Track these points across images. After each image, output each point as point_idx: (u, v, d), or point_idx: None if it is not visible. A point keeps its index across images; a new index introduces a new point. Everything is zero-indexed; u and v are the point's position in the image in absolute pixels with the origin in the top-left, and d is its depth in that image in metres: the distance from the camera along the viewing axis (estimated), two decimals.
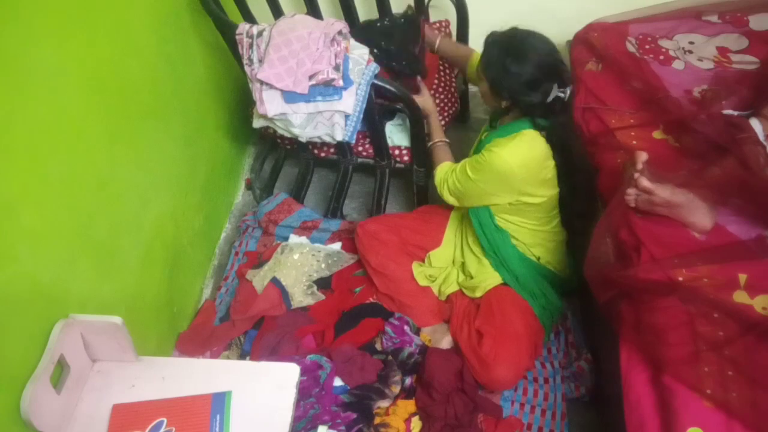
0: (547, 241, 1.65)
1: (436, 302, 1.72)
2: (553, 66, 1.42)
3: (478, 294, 1.66)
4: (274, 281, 1.77)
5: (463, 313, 1.66)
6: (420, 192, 2.01)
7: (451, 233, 1.78)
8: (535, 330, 1.59)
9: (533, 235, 1.62)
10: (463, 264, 1.73)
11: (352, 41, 1.70)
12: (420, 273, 1.73)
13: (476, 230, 1.63)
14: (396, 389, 1.55)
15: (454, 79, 2.07)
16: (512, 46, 1.43)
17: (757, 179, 1.24)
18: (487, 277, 1.65)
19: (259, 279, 1.81)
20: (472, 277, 1.69)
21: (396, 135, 1.94)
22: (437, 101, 1.99)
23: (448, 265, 1.76)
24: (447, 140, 1.76)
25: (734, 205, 1.30)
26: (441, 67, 2.04)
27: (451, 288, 1.73)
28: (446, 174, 1.64)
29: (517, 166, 1.45)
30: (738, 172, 1.28)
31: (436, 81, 2.01)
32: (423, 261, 1.77)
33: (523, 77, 1.41)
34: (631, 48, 1.81)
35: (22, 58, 1.03)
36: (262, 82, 1.63)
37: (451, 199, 1.65)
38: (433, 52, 1.89)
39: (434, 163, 1.72)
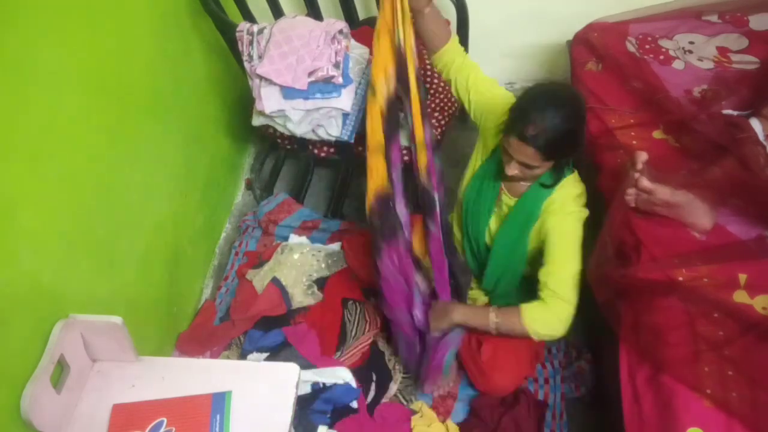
0: None
1: None
2: (579, 95, 1.33)
3: (479, 304, 1.65)
4: (275, 281, 1.77)
5: None
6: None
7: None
8: None
9: None
10: None
11: (353, 41, 1.70)
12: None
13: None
14: None
15: None
16: (573, 110, 1.24)
17: (757, 179, 1.24)
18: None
19: (259, 279, 1.81)
20: (472, 288, 1.68)
21: None
22: (437, 101, 1.99)
23: None
24: (494, 317, 1.40)
25: (734, 205, 1.30)
26: None
27: None
28: (551, 311, 1.34)
29: (586, 213, 1.37)
30: (738, 172, 1.28)
31: (436, 81, 2.01)
32: None
33: (585, 122, 1.29)
34: (631, 48, 1.81)
35: (22, 58, 1.03)
36: (261, 79, 1.63)
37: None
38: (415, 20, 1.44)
39: (515, 327, 1.37)
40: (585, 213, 1.37)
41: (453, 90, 1.51)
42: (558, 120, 1.21)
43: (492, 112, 1.43)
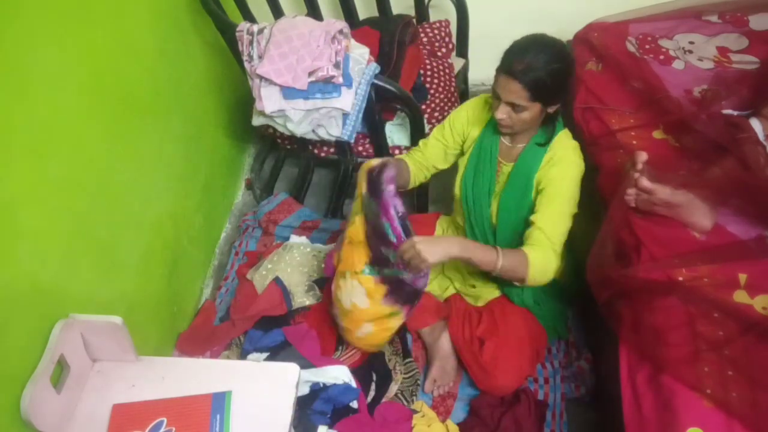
0: None
1: (434, 301, 1.71)
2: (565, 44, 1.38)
3: (481, 303, 1.65)
4: (277, 281, 1.77)
5: (463, 315, 1.66)
6: (420, 192, 2.01)
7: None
8: (537, 336, 1.59)
9: None
10: (456, 274, 1.72)
11: (353, 41, 1.70)
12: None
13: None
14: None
15: (453, 79, 2.07)
16: (561, 52, 1.30)
17: (757, 179, 1.24)
18: (491, 289, 1.63)
19: (259, 278, 1.81)
20: (473, 287, 1.68)
21: (396, 135, 1.94)
22: (437, 101, 1.99)
23: (438, 274, 1.75)
24: (501, 256, 1.35)
25: (734, 205, 1.30)
26: (441, 67, 2.04)
27: (449, 292, 1.73)
28: (547, 252, 1.36)
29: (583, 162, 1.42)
30: (738, 172, 1.28)
31: (436, 81, 2.01)
32: None
33: (573, 70, 1.34)
34: (631, 48, 1.81)
35: (22, 58, 1.03)
36: (261, 79, 1.63)
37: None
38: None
39: (517, 269, 1.35)
40: (583, 166, 1.41)
41: (431, 172, 1.63)
42: (544, 57, 1.26)
43: (450, 135, 1.55)
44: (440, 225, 1.77)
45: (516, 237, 1.48)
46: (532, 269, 1.34)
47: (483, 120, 1.50)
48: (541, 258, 1.35)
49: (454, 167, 1.61)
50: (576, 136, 1.65)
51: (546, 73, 1.26)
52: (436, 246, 1.30)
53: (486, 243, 1.54)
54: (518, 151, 1.46)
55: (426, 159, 1.59)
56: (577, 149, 1.42)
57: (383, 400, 1.58)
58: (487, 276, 1.58)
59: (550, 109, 1.34)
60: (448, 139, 1.56)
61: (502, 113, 1.33)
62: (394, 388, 1.61)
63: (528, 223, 1.41)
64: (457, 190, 1.57)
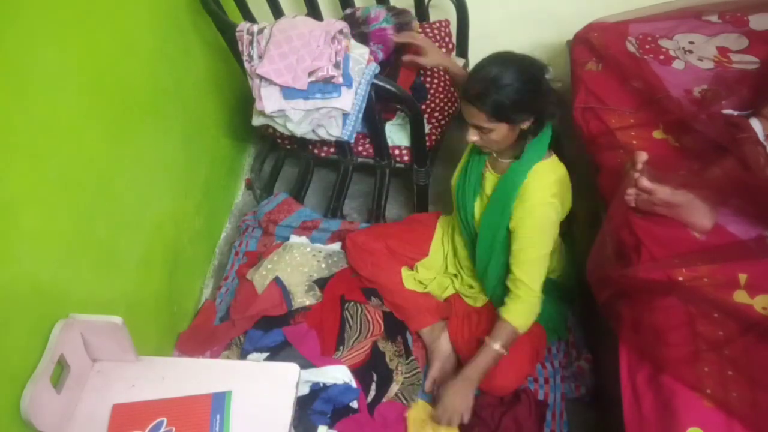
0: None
1: (434, 302, 1.71)
2: (536, 59, 1.35)
3: (480, 304, 1.66)
4: (277, 281, 1.77)
5: (463, 315, 1.66)
6: (420, 192, 2.00)
7: (438, 243, 1.75)
8: (537, 336, 1.59)
9: None
10: (456, 275, 1.73)
11: (353, 41, 1.70)
12: (409, 277, 1.71)
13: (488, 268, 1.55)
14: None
15: None
16: (518, 67, 1.27)
17: (757, 179, 1.24)
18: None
19: (259, 278, 1.81)
20: (471, 287, 1.68)
21: (396, 135, 1.94)
22: (437, 101, 1.99)
23: (438, 274, 1.75)
24: (498, 347, 1.44)
25: (734, 205, 1.30)
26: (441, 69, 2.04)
27: (448, 292, 1.73)
28: (528, 298, 1.43)
29: (559, 202, 1.39)
30: (738, 172, 1.28)
31: (436, 81, 2.01)
32: (413, 269, 1.76)
33: (543, 85, 1.30)
34: (631, 48, 1.81)
35: (22, 58, 1.03)
36: (261, 78, 1.63)
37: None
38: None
39: (514, 337, 1.45)
40: (553, 205, 1.38)
41: None
42: (500, 78, 1.25)
43: None
44: (441, 225, 1.78)
45: (492, 249, 1.50)
46: (522, 329, 1.45)
47: None
48: (526, 313, 1.45)
49: (454, 163, 1.62)
50: (576, 135, 1.66)
51: (502, 94, 1.25)
52: (464, 400, 1.42)
53: (471, 239, 1.58)
54: (503, 165, 1.44)
55: None
56: (552, 186, 1.37)
57: (384, 400, 1.58)
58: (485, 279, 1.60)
59: (523, 126, 1.32)
60: None
61: (473, 136, 1.35)
62: (395, 388, 1.61)
63: (506, 258, 1.47)
64: (452, 182, 1.60)
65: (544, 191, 1.37)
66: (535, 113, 1.31)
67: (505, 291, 1.48)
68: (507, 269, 1.50)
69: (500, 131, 1.31)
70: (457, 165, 1.61)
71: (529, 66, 1.29)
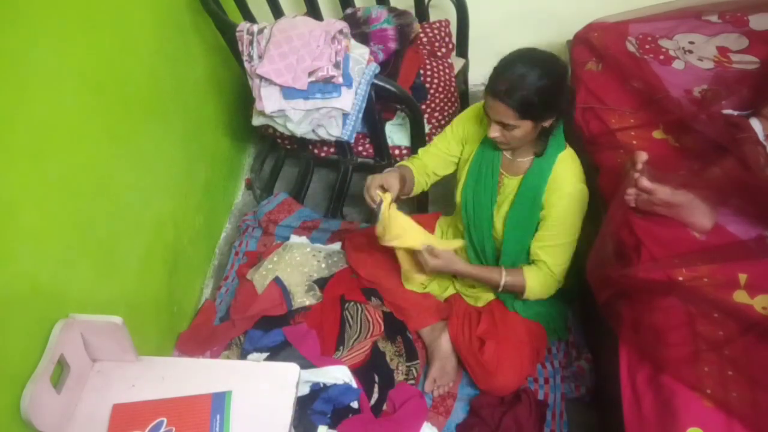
0: None
1: (434, 301, 1.71)
2: (560, 58, 1.35)
3: (481, 304, 1.66)
4: (277, 281, 1.77)
5: (463, 315, 1.66)
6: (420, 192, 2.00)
7: (437, 244, 1.75)
8: (537, 335, 1.59)
9: None
10: (456, 276, 1.72)
11: (353, 41, 1.70)
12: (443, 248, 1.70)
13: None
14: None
15: (453, 79, 2.07)
16: (546, 66, 1.27)
17: (757, 179, 1.24)
18: (489, 290, 1.64)
19: (259, 278, 1.81)
20: (473, 287, 1.68)
21: (396, 135, 1.94)
22: (437, 101, 1.99)
23: (438, 275, 1.74)
24: (505, 275, 1.49)
25: (734, 205, 1.30)
26: (441, 67, 2.04)
27: (449, 292, 1.73)
28: (547, 278, 1.46)
29: (587, 189, 1.42)
30: (738, 172, 1.28)
31: (436, 81, 2.01)
32: None
33: (565, 83, 1.31)
34: (631, 48, 1.81)
35: (22, 58, 1.03)
36: (261, 79, 1.63)
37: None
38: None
39: (516, 287, 1.50)
40: (584, 191, 1.41)
41: (432, 179, 1.62)
42: (529, 76, 1.25)
43: (451, 143, 1.55)
44: (440, 226, 1.78)
45: (522, 252, 1.50)
46: (529, 291, 1.48)
47: (483, 130, 1.47)
48: (540, 281, 1.47)
49: (454, 173, 1.61)
50: (576, 135, 1.66)
51: (531, 92, 1.25)
52: (440, 264, 1.47)
53: (484, 252, 1.57)
54: (520, 165, 1.44)
55: (426, 166, 1.58)
56: (579, 173, 1.41)
57: (372, 401, 1.57)
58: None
59: (545, 124, 1.32)
60: (450, 147, 1.55)
61: (495, 132, 1.33)
62: None
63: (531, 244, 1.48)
64: (458, 199, 1.57)
65: (574, 177, 1.40)
66: (559, 111, 1.33)
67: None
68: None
69: (524, 128, 1.31)
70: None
71: (555, 65, 1.30)
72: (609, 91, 1.69)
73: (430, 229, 1.77)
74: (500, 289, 1.50)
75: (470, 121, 1.52)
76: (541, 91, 1.25)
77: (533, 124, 1.31)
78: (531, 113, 1.28)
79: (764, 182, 1.24)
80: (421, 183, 1.60)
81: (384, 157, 1.94)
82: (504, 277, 1.48)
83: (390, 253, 1.69)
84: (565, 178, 1.39)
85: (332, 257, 1.88)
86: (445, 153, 1.56)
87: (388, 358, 1.65)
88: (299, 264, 1.84)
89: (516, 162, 1.45)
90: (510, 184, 1.47)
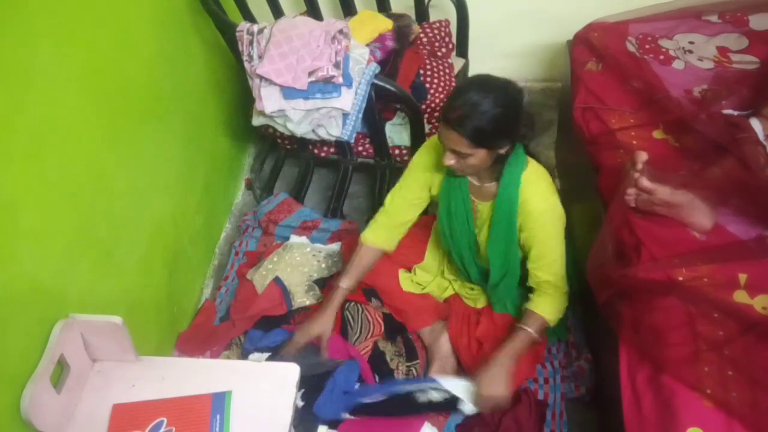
0: None
1: (432, 302, 1.71)
2: (515, 83, 1.32)
3: (480, 305, 1.65)
4: (277, 281, 1.77)
5: (462, 316, 1.66)
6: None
7: (433, 245, 1.74)
8: None
9: None
10: (455, 279, 1.72)
11: (353, 41, 1.70)
12: (406, 279, 1.70)
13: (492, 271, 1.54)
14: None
15: (453, 79, 2.07)
16: (499, 93, 1.25)
17: (757, 179, 1.24)
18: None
19: (259, 278, 1.81)
20: (472, 289, 1.68)
21: (396, 135, 1.94)
22: (437, 101, 1.99)
23: (436, 276, 1.75)
24: (533, 332, 1.46)
25: (734, 205, 1.30)
26: (441, 67, 2.04)
27: (448, 292, 1.73)
28: (556, 295, 1.47)
29: (558, 198, 1.40)
30: (738, 173, 1.28)
31: (436, 81, 2.01)
32: (410, 271, 1.75)
33: (522, 110, 1.29)
34: (631, 48, 1.81)
35: (22, 58, 1.03)
36: (261, 79, 1.63)
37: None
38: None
39: (543, 324, 1.48)
40: (555, 204, 1.39)
41: (406, 228, 1.59)
42: (482, 104, 1.22)
43: (413, 189, 1.52)
44: (435, 229, 1.77)
45: (511, 268, 1.51)
46: (552, 322, 1.48)
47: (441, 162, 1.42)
48: (552, 305, 1.47)
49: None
50: (576, 135, 1.66)
51: (484, 120, 1.22)
52: (500, 388, 1.41)
53: (469, 274, 1.59)
54: (488, 190, 1.43)
55: (392, 220, 1.55)
56: (547, 188, 1.38)
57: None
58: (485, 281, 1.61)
59: (501, 150, 1.30)
60: (416, 194, 1.52)
61: (449, 160, 1.31)
62: None
63: (525, 263, 1.48)
64: (437, 227, 1.58)
65: (543, 194, 1.37)
66: (514, 138, 1.30)
67: (524, 294, 1.51)
68: (519, 282, 1.51)
69: (479, 156, 1.28)
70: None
71: (509, 91, 1.26)
72: (609, 91, 1.69)
73: (427, 230, 1.76)
74: (540, 340, 1.50)
75: (429, 155, 1.48)
76: (495, 119, 1.23)
77: (487, 152, 1.28)
78: (484, 141, 1.26)
79: (764, 182, 1.24)
80: (394, 239, 1.58)
81: (384, 156, 1.94)
82: (531, 330, 1.45)
83: (387, 256, 1.69)
84: (534, 200, 1.36)
85: (332, 257, 1.88)
86: (411, 200, 1.53)
87: (388, 358, 1.65)
88: (299, 264, 1.84)
89: (483, 187, 1.44)
90: (483, 210, 1.46)
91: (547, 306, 1.47)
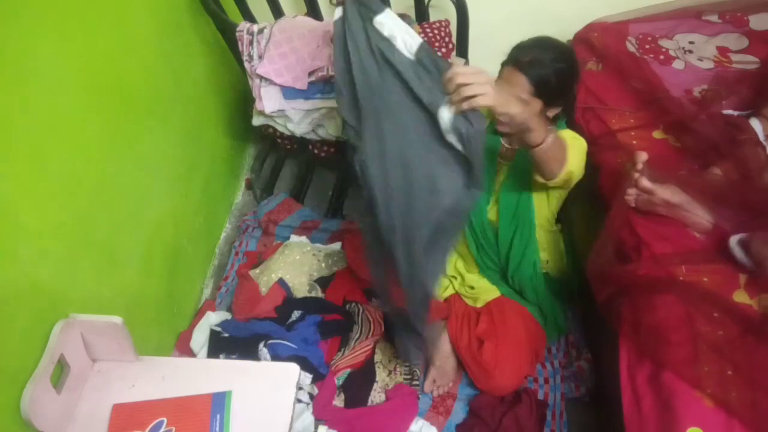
0: (553, 243, 1.64)
1: (433, 302, 1.71)
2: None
3: (479, 305, 1.66)
4: (281, 282, 1.77)
5: (462, 315, 1.66)
6: None
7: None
8: (536, 336, 1.59)
9: (546, 236, 1.61)
10: (455, 277, 1.72)
11: None
12: None
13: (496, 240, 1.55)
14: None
15: None
16: (569, 55, 1.33)
17: (755, 181, 1.25)
18: (488, 290, 1.64)
19: (262, 279, 1.81)
20: (472, 288, 1.68)
21: None
22: None
23: None
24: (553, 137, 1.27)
25: (734, 205, 1.30)
26: None
27: (448, 292, 1.73)
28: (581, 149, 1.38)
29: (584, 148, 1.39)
30: (737, 174, 1.28)
31: None
32: None
33: (578, 75, 1.37)
34: (631, 48, 1.81)
35: (22, 58, 1.03)
36: (261, 79, 1.63)
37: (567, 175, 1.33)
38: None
39: (558, 153, 1.28)
40: (582, 143, 1.37)
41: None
42: (550, 55, 1.29)
43: None
44: None
45: (517, 214, 1.50)
46: (566, 140, 1.30)
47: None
48: (571, 159, 1.30)
49: None
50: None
51: (551, 71, 1.28)
52: (509, 104, 1.08)
53: (482, 239, 1.58)
54: (515, 152, 1.46)
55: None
56: (576, 138, 1.39)
57: (371, 401, 1.58)
58: (482, 277, 1.61)
59: (550, 113, 1.34)
60: None
61: None
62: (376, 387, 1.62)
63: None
64: None
65: (570, 133, 1.39)
66: (566, 103, 1.35)
67: (527, 274, 1.54)
68: (531, 251, 1.52)
69: (534, 108, 1.30)
70: None
71: (573, 54, 1.34)
72: (609, 91, 1.69)
73: None
74: (543, 147, 1.21)
75: None
76: (559, 72, 1.28)
77: (542, 106, 1.32)
78: (545, 92, 1.30)
79: (762, 184, 1.25)
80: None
81: None
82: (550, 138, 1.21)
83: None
84: (566, 134, 1.37)
85: (332, 257, 1.88)
86: None
87: (387, 360, 1.66)
88: (300, 263, 1.84)
89: (513, 150, 1.47)
90: (505, 171, 1.49)
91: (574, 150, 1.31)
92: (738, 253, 1.18)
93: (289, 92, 1.64)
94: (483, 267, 1.64)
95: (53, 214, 1.12)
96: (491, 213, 1.53)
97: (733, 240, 1.19)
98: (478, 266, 1.65)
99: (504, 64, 1.33)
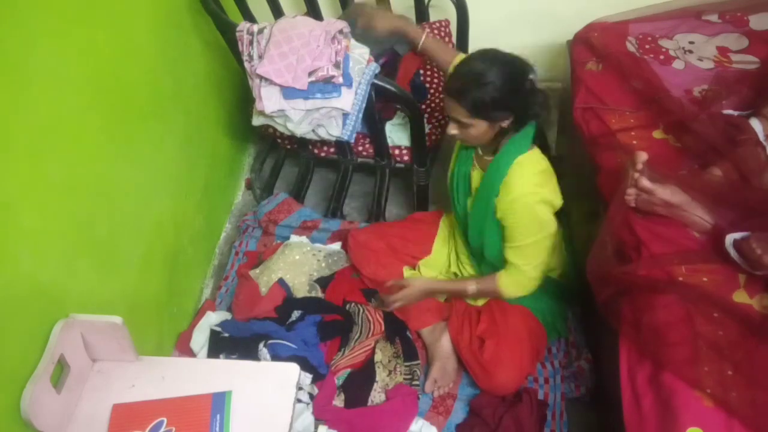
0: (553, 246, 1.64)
1: (434, 302, 1.71)
2: (522, 59, 1.34)
3: (480, 303, 1.66)
4: (281, 282, 1.77)
5: (463, 315, 1.66)
6: (420, 192, 2.00)
7: (441, 241, 1.76)
8: (537, 335, 1.59)
9: None
10: (456, 275, 1.73)
11: (353, 41, 1.70)
12: (411, 277, 1.72)
13: (485, 253, 1.56)
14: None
15: None
16: (502, 66, 1.28)
17: (755, 182, 1.25)
18: None
19: (262, 277, 1.81)
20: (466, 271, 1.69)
21: (396, 135, 1.94)
22: (437, 101, 1.99)
23: (440, 273, 1.75)
24: (474, 285, 1.57)
25: (734, 205, 1.30)
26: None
27: None
28: (520, 277, 1.48)
29: (547, 192, 1.39)
30: (737, 174, 1.28)
31: (436, 81, 2.01)
32: (415, 268, 1.76)
33: (525, 85, 1.30)
34: (631, 48, 1.81)
35: (22, 58, 1.03)
36: (261, 78, 1.63)
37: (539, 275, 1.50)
38: (416, 51, 1.67)
39: (490, 294, 1.58)
40: (531, 196, 1.37)
41: None
42: (483, 76, 1.26)
43: None
44: (444, 223, 1.78)
45: (483, 240, 1.53)
46: (505, 295, 1.52)
47: None
48: (512, 281, 1.49)
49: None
50: (576, 136, 1.66)
51: (481, 92, 1.25)
52: (410, 293, 1.61)
53: (466, 232, 1.60)
54: (486, 162, 1.45)
55: None
56: (530, 178, 1.37)
57: (371, 401, 1.58)
58: (480, 271, 1.63)
59: (503, 124, 1.32)
60: None
61: (452, 129, 1.36)
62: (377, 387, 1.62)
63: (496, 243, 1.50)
64: (449, 178, 1.61)
65: (525, 183, 1.37)
66: (515, 112, 1.32)
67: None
68: (502, 254, 1.52)
69: (479, 128, 1.32)
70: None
71: (513, 65, 1.29)
72: (609, 91, 1.69)
73: (434, 226, 1.77)
74: (472, 296, 1.59)
75: None
76: (493, 90, 1.26)
77: (488, 124, 1.32)
78: (483, 113, 1.29)
79: (761, 185, 1.25)
80: None
81: (384, 156, 1.94)
82: (473, 286, 1.55)
83: (392, 251, 1.70)
84: (514, 184, 1.37)
85: (332, 257, 1.88)
86: None
87: (387, 360, 1.66)
88: (299, 263, 1.84)
89: (483, 158, 1.47)
90: (476, 178, 1.50)
91: (505, 279, 1.49)
92: (733, 253, 1.18)
93: (289, 92, 1.64)
94: (476, 263, 1.66)
95: (53, 214, 1.12)
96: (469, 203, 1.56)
97: (728, 240, 1.19)
98: (472, 264, 1.66)
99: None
